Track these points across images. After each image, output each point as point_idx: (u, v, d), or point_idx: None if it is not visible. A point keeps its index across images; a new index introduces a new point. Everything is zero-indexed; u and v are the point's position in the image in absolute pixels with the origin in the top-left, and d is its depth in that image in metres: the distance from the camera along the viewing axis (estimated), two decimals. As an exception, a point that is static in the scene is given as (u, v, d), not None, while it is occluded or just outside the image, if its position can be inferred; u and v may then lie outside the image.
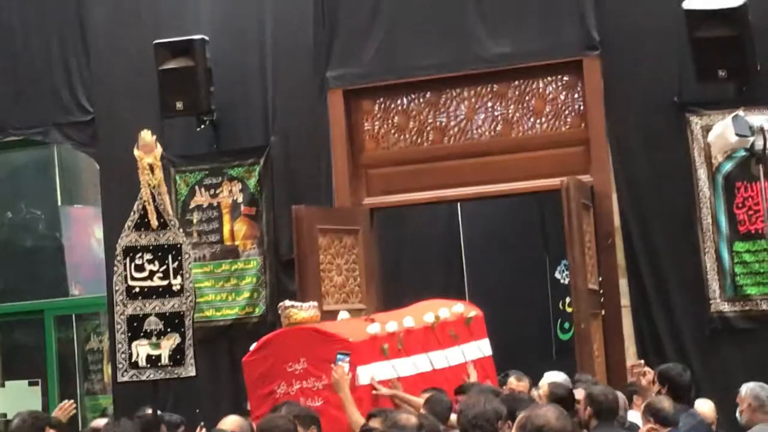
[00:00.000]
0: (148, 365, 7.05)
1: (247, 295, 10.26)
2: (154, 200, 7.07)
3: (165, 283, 7.08)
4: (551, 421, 3.92)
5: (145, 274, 7.09)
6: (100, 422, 7.77)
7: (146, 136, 7.18)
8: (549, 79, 9.82)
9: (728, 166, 9.18)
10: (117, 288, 7.08)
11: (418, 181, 10.00)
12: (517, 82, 9.87)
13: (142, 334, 7.05)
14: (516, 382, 7.93)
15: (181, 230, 7.30)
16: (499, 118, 9.92)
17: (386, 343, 7.56)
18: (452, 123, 10.04)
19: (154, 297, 7.08)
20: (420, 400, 6.94)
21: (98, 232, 11.10)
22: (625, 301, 9.39)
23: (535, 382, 7.85)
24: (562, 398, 6.77)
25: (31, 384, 11.46)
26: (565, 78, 9.79)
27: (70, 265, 11.76)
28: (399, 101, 10.16)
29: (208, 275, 10.33)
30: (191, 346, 7.14)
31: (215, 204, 10.42)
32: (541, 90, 9.84)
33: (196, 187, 10.47)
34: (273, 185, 10.25)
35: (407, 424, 5.69)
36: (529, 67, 9.75)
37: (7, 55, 11.16)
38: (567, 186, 9.00)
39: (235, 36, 10.42)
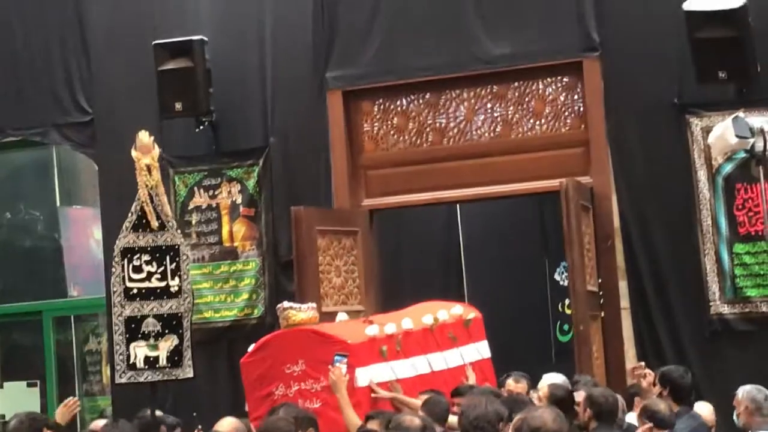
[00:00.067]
0: (146, 367, 7.05)
1: (245, 296, 10.24)
2: (151, 201, 7.06)
3: (163, 284, 7.07)
4: (548, 422, 3.93)
5: (143, 275, 7.08)
6: (99, 423, 7.77)
7: (144, 137, 7.18)
8: (549, 80, 9.82)
9: (728, 168, 9.17)
10: (115, 289, 7.08)
11: (417, 183, 9.99)
12: (516, 84, 9.86)
13: (140, 335, 7.05)
14: (514, 384, 7.91)
15: (179, 231, 7.29)
16: (499, 119, 9.91)
17: (385, 344, 7.55)
18: (452, 124, 10.02)
19: (152, 298, 7.07)
20: (418, 402, 6.93)
21: (97, 233, 11.09)
22: (624, 303, 9.38)
23: (534, 384, 7.84)
24: (561, 399, 6.76)
25: (29, 385, 11.45)
26: (564, 79, 9.77)
27: (68, 266, 11.75)
28: (398, 102, 10.15)
29: (207, 276, 10.31)
30: (189, 347, 7.13)
31: (214, 205, 10.41)
32: (540, 91, 9.83)
33: (195, 188, 10.46)
34: (272, 186, 10.24)
35: (411, 425, 5.70)
36: (528, 68, 9.74)
37: (6, 56, 11.14)
38: (566, 187, 8.99)
39: (235, 37, 10.41)
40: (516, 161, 9.77)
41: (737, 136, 7.56)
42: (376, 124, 10.21)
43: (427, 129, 10.08)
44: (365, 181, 10.18)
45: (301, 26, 10.22)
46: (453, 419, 6.66)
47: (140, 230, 7.09)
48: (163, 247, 7.09)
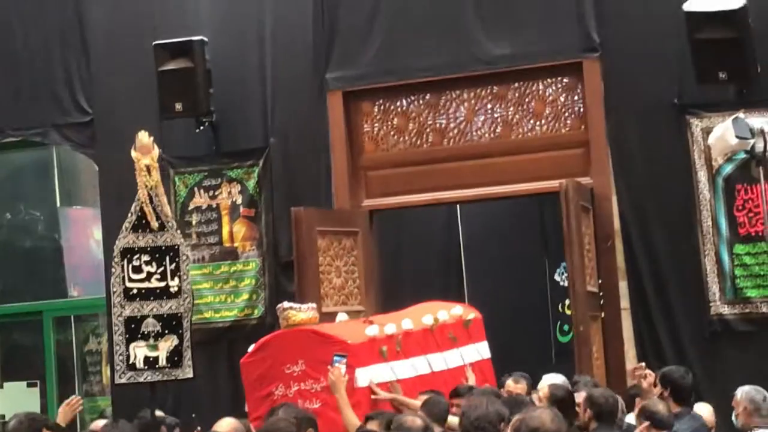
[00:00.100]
0: (146, 367, 7.04)
1: (246, 296, 10.24)
2: (151, 201, 7.06)
3: (163, 284, 7.07)
4: (546, 422, 3.93)
5: (143, 275, 7.08)
6: (99, 423, 7.77)
7: (143, 137, 7.17)
8: (549, 81, 9.81)
9: (728, 169, 9.16)
10: (114, 290, 7.07)
11: (417, 183, 9.99)
12: (516, 84, 9.86)
13: (139, 335, 7.04)
14: (513, 385, 7.91)
15: (178, 231, 7.29)
16: (499, 120, 9.91)
17: (385, 345, 7.55)
18: (452, 125, 10.02)
19: (152, 299, 7.07)
20: (417, 402, 6.93)
21: (97, 234, 11.09)
22: (624, 303, 9.38)
23: (534, 385, 7.83)
24: (561, 400, 6.76)
25: (29, 385, 11.45)
26: (564, 80, 9.77)
27: (69, 267, 11.75)
28: (398, 103, 10.15)
29: (207, 277, 10.31)
30: (189, 347, 7.12)
31: (214, 205, 10.41)
32: (540, 92, 9.83)
33: (195, 189, 10.46)
34: (272, 187, 10.24)
35: (413, 426, 5.70)
36: (528, 68, 9.74)
37: (6, 56, 11.14)
38: (566, 188, 8.99)
39: (235, 37, 10.41)
40: (516, 162, 9.77)
41: (737, 136, 7.57)
42: (376, 124, 10.21)
43: (428, 130, 10.07)
44: (365, 182, 10.18)
45: (302, 27, 10.22)
46: (452, 419, 6.66)
47: (140, 230, 7.09)
48: (163, 248, 7.09)
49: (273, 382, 7.37)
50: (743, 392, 7.14)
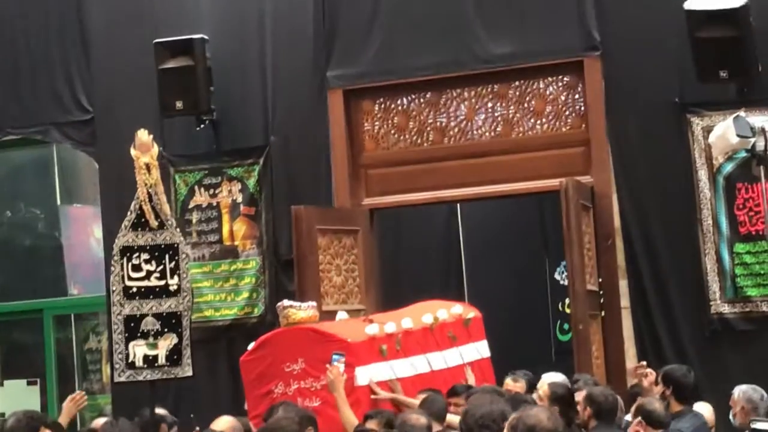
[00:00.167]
0: (145, 365, 7.03)
1: (246, 295, 10.24)
2: (150, 200, 7.05)
3: (162, 283, 7.06)
4: (543, 420, 3.94)
5: (142, 274, 7.07)
6: (100, 421, 7.76)
7: (143, 135, 7.16)
8: (549, 79, 9.80)
9: (729, 167, 9.16)
10: (114, 288, 7.07)
11: (417, 182, 9.98)
12: (517, 83, 9.85)
13: (139, 334, 7.03)
14: (513, 383, 7.90)
15: (178, 230, 7.28)
16: (500, 118, 9.90)
17: (385, 344, 7.56)
18: (452, 123, 10.02)
19: (151, 297, 7.06)
20: (416, 401, 6.92)
21: (97, 232, 11.09)
22: (625, 302, 9.37)
23: (534, 383, 7.81)
24: (562, 397, 6.76)
25: (29, 383, 11.45)
26: (565, 78, 9.76)
27: (69, 265, 11.75)
28: (399, 101, 10.14)
29: (207, 275, 10.32)
30: (188, 346, 7.11)
31: (214, 204, 10.41)
32: (541, 90, 9.82)
33: (196, 187, 10.46)
34: (272, 185, 10.24)
35: (417, 424, 5.70)
36: (529, 67, 9.73)
37: (6, 54, 11.14)
38: (566, 187, 8.99)
39: (235, 35, 10.40)
40: (517, 160, 9.76)
41: (738, 135, 7.56)
42: (376, 123, 10.20)
43: (428, 128, 10.07)
44: (366, 180, 10.17)
45: (302, 25, 10.21)
46: (450, 418, 6.67)
47: (139, 229, 7.08)
48: (162, 246, 7.08)
49: (273, 380, 7.38)
50: (741, 391, 7.15)
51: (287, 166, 10.21)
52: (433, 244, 11.32)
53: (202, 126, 10.32)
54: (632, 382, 8.10)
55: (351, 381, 7.19)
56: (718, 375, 8.90)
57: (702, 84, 9.04)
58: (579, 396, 6.95)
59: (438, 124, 10.04)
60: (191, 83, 10.07)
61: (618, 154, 9.46)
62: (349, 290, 9.79)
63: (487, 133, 9.95)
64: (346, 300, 9.72)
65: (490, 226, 11.43)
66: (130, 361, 7.03)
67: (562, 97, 9.77)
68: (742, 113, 7.82)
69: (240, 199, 10.34)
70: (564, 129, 9.77)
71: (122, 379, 7.09)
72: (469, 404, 5.62)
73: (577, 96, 9.73)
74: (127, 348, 7.03)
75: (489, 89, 9.93)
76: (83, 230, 11.80)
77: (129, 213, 7.09)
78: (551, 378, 7.50)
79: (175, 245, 7.11)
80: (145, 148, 7.10)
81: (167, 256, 7.07)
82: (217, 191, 10.41)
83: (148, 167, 7.04)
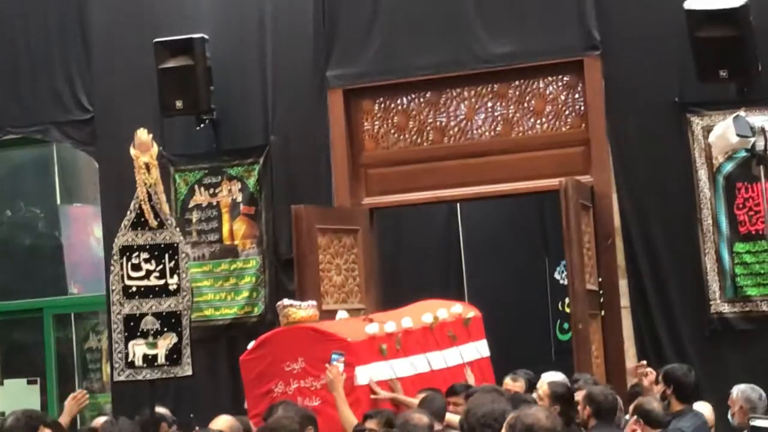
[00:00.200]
0: (145, 365, 7.03)
1: (246, 294, 10.24)
2: (150, 199, 7.05)
3: (161, 282, 7.05)
4: (541, 420, 3.94)
5: (142, 273, 7.06)
6: (100, 420, 7.76)
7: (142, 134, 7.16)
8: (549, 79, 9.80)
9: (729, 167, 9.16)
10: (113, 287, 7.06)
11: (417, 181, 9.98)
12: (517, 82, 9.85)
13: (138, 333, 7.03)
14: (512, 383, 7.89)
15: (177, 229, 7.27)
16: (499, 118, 9.90)
17: (385, 343, 7.55)
18: (452, 123, 10.02)
19: (151, 296, 7.05)
20: (416, 401, 6.92)
21: (97, 231, 11.09)
22: (624, 301, 9.37)
23: (535, 383, 7.81)
24: (562, 396, 6.77)
25: (29, 382, 11.45)
26: (565, 78, 9.76)
27: (69, 264, 11.75)
28: (399, 101, 10.15)
29: (207, 274, 10.32)
30: (188, 345, 7.11)
31: (214, 203, 10.41)
32: (541, 90, 9.82)
33: (196, 187, 10.46)
34: (272, 185, 10.24)
35: (419, 423, 5.70)
36: (529, 66, 9.74)
37: (6, 53, 11.14)
38: (565, 187, 8.99)
39: (235, 35, 10.41)
40: (516, 160, 9.76)
41: (738, 135, 7.55)
42: (376, 122, 10.20)
43: (428, 128, 10.07)
44: (366, 180, 10.17)
45: (302, 25, 10.21)
46: (449, 417, 6.67)
47: (139, 228, 7.08)
48: (162, 245, 7.07)
49: (272, 379, 7.38)
50: (739, 391, 7.15)
51: (287, 166, 10.21)
52: (433, 244, 11.32)
53: (202, 125, 10.32)
54: (632, 381, 8.10)
55: (351, 380, 7.19)
56: (718, 374, 8.89)
57: (702, 84, 9.04)
58: (579, 395, 6.95)
59: (438, 123, 10.05)
60: (191, 83, 10.08)
61: (618, 153, 9.47)
62: (349, 289, 9.79)
63: (486, 133, 9.95)
64: (346, 299, 9.72)
65: (489, 226, 11.43)
66: (129, 360, 7.03)
67: (562, 97, 9.77)
68: (742, 113, 7.81)
69: (240, 198, 10.34)
70: (564, 128, 9.77)
71: (121, 378, 7.09)
72: (472, 403, 5.61)
73: (577, 95, 9.73)
74: (126, 347, 7.02)
75: (489, 89, 9.93)
76: (83, 229, 11.80)
77: (128, 212, 7.09)
78: (550, 377, 7.50)
79: (175, 245, 7.11)
80: (144, 148, 7.09)
81: (167, 256, 7.07)
82: (217, 191, 10.41)
83: (147, 167, 7.03)
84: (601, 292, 9.35)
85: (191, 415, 8.15)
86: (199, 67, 10.10)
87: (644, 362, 7.77)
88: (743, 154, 8.46)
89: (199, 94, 10.11)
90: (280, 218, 10.07)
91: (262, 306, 10.16)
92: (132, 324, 7.04)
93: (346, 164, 10.08)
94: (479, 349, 8.28)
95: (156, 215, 7.04)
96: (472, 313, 8.41)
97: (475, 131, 9.98)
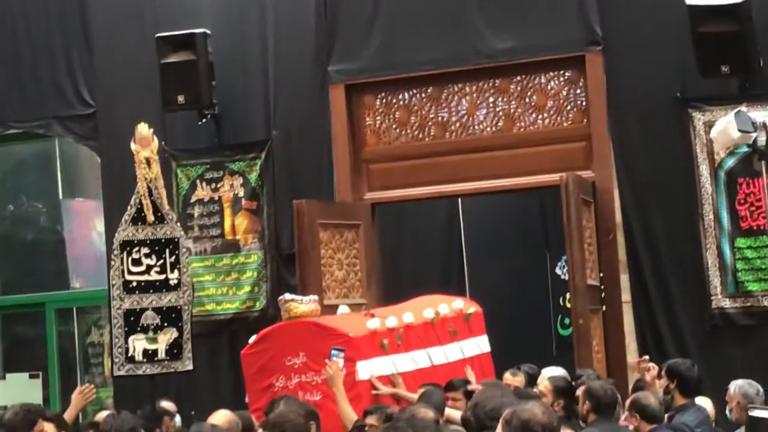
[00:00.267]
0: (145, 360, 7.05)
1: (247, 289, 10.25)
2: (150, 194, 7.06)
3: (162, 277, 7.07)
4: (537, 415, 3.96)
5: (143, 268, 7.08)
6: (103, 415, 7.77)
7: (143, 129, 7.18)
8: (551, 74, 9.80)
9: (730, 162, 9.16)
10: (114, 282, 7.08)
11: (419, 176, 9.98)
12: (519, 78, 9.85)
13: (139, 328, 7.04)
14: (512, 378, 7.90)
15: (178, 224, 7.30)
16: (501, 113, 9.90)
17: (386, 338, 7.56)
18: (454, 118, 10.02)
19: (151, 291, 7.08)
20: (416, 396, 6.92)
21: (99, 226, 11.10)
22: (626, 296, 9.38)
23: (536, 378, 7.82)
24: (564, 390, 6.77)
25: (31, 377, 11.46)
26: (567, 73, 9.76)
27: (71, 258, 11.76)
28: (400, 96, 10.14)
29: (209, 269, 10.32)
30: (189, 340, 7.13)
31: (216, 198, 10.42)
32: (543, 85, 9.81)
33: (198, 181, 10.46)
34: (274, 179, 10.24)
35: (426, 417, 5.73)
36: (531, 62, 9.73)
37: (9, 48, 11.15)
38: (566, 182, 8.99)
39: (237, 30, 10.41)
40: (518, 155, 9.76)
41: (740, 130, 7.57)
42: (378, 117, 10.20)
43: (430, 123, 10.07)
44: (367, 175, 10.17)
45: (304, 20, 10.22)
46: (448, 412, 6.67)
47: (139, 223, 7.10)
48: (163, 240, 7.09)
49: (274, 373, 7.38)
50: (737, 386, 7.15)
51: (289, 161, 10.21)
52: (434, 239, 11.31)
53: (203, 120, 10.33)
54: (633, 376, 8.10)
55: (352, 375, 7.19)
56: (719, 370, 8.87)
57: (703, 79, 9.04)
58: (581, 391, 6.95)
59: (439, 118, 10.05)
60: (193, 77, 10.08)
61: (619, 149, 9.46)
62: (350, 284, 9.80)
63: (488, 128, 9.95)
64: (348, 294, 9.72)
65: (491, 221, 11.42)
66: (129, 355, 7.05)
67: (564, 92, 9.76)
68: (743, 108, 7.83)
69: (242, 193, 10.35)
70: (565, 124, 9.77)
71: (121, 372, 7.11)
72: (480, 397, 5.64)
73: (578, 91, 9.73)
74: (126, 342, 7.04)
75: (490, 84, 9.93)
76: (85, 224, 11.81)
77: (129, 207, 7.11)
78: (551, 372, 7.50)
79: (176, 240, 7.13)
80: (145, 143, 7.11)
81: (167, 251, 7.09)
82: (218, 185, 10.42)
83: (148, 161, 7.05)
84: (602, 287, 9.36)
85: (192, 413, 8.16)
86: (201, 62, 10.10)
87: (646, 357, 7.77)
88: (745, 149, 8.46)
89: (201, 89, 10.11)
90: (282, 213, 10.08)
91: (264, 301, 10.17)
92: (132, 319, 7.06)
93: (347, 159, 10.08)
94: (480, 344, 8.28)
95: (156, 210, 7.05)
96: (473, 308, 8.41)
97: (476, 126, 9.98)
